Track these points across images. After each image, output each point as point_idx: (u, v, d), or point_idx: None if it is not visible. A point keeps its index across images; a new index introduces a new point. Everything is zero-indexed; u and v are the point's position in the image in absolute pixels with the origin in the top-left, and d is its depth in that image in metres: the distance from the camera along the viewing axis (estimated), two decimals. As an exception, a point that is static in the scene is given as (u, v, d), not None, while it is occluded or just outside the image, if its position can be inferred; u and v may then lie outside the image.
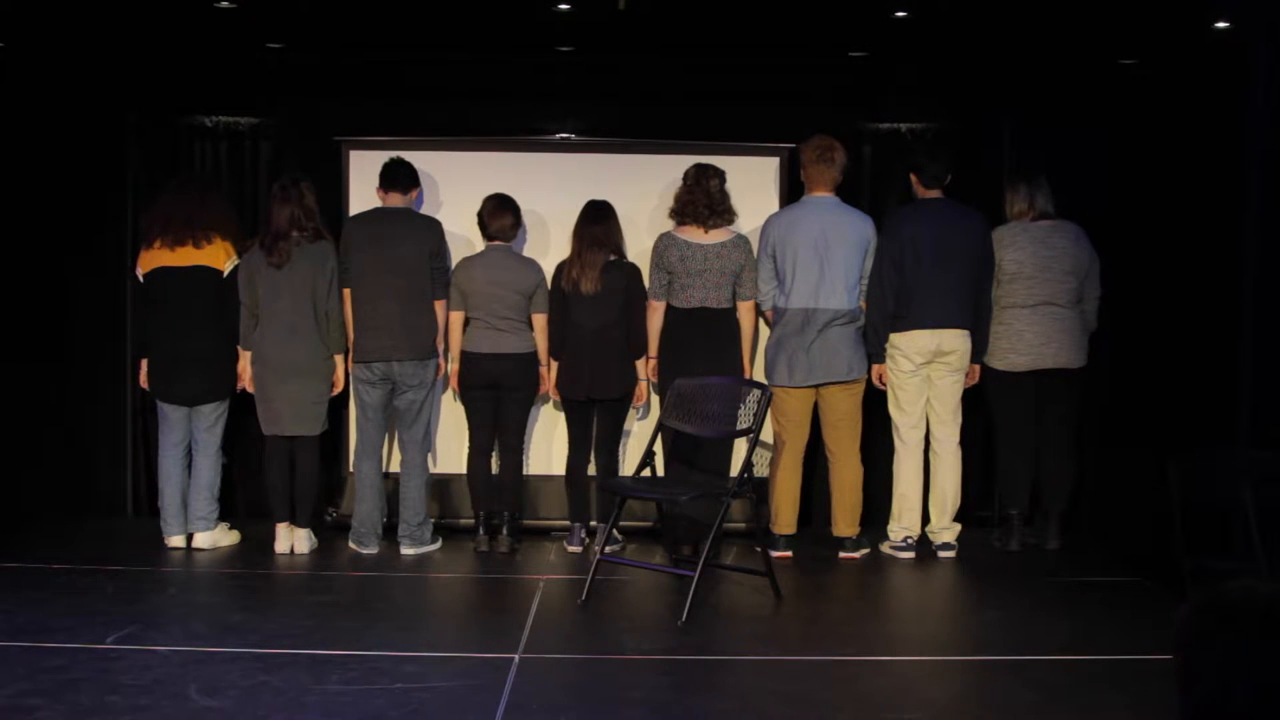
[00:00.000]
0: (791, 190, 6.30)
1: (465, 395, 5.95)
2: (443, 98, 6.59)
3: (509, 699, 3.80)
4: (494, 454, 6.02)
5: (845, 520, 5.95)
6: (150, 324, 6.01)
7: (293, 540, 5.89)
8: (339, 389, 5.98)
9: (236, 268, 5.92)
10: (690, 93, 6.60)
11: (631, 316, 5.93)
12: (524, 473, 6.10)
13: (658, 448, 5.54)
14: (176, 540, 5.95)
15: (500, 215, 5.91)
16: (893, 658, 4.40)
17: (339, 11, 5.85)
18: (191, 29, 5.98)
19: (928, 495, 6.06)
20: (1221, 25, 5.36)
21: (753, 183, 6.34)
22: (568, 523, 6.09)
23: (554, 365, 6.00)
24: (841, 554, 5.94)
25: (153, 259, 5.93)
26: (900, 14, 5.63)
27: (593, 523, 6.05)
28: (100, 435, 6.72)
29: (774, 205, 6.32)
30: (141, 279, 6.00)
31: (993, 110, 6.74)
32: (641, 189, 6.37)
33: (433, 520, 6.06)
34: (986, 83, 6.56)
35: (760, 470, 5.94)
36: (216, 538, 6.00)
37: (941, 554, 5.99)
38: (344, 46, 6.37)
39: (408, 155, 6.04)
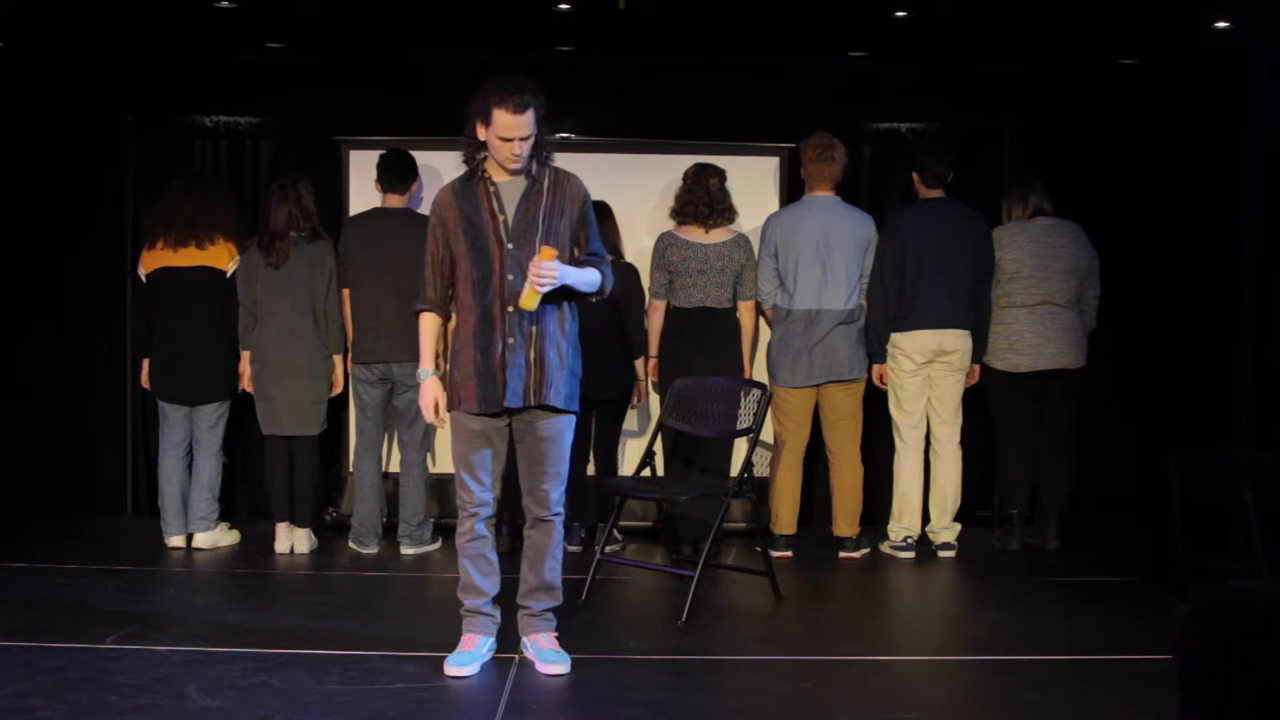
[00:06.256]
0: (791, 190, 6.31)
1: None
2: (443, 98, 6.50)
3: (509, 699, 3.80)
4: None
5: (845, 520, 5.96)
6: (152, 324, 6.01)
7: (293, 540, 5.89)
8: (338, 389, 5.98)
9: (238, 268, 5.93)
10: (690, 93, 6.61)
11: (629, 317, 5.93)
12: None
13: (658, 448, 5.54)
14: (176, 540, 5.95)
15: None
16: (893, 658, 4.40)
17: (339, 11, 5.85)
18: (191, 29, 5.98)
19: (928, 495, 6.06)
20: (1221, 25, 5.36)
21: (753, 182, 6.35)
22: (567, 522, 6.08)
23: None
24: (841, 554, 5.95)
25: (155, 259, 5.94)
26: (900, 14, 5.63)
27: (592, 523, 6.05)
28: (100, 435, 6.73)
29: (774, 205, 6.33)
30: (144, 279, 6.01)
31: (992, 110, 6.74)
32: (641, 189, 6.37)
33: (433, 520, 6.06)
34: (986, 83, 6.57)
35: (760, 470, 5.94)
36: (216, 538, 6.00)
37: (941, 554, 5.99)
38: (344, 46, 6.37)
39: (407, 155, 6.05)
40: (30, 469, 6.44)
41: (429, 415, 4.10)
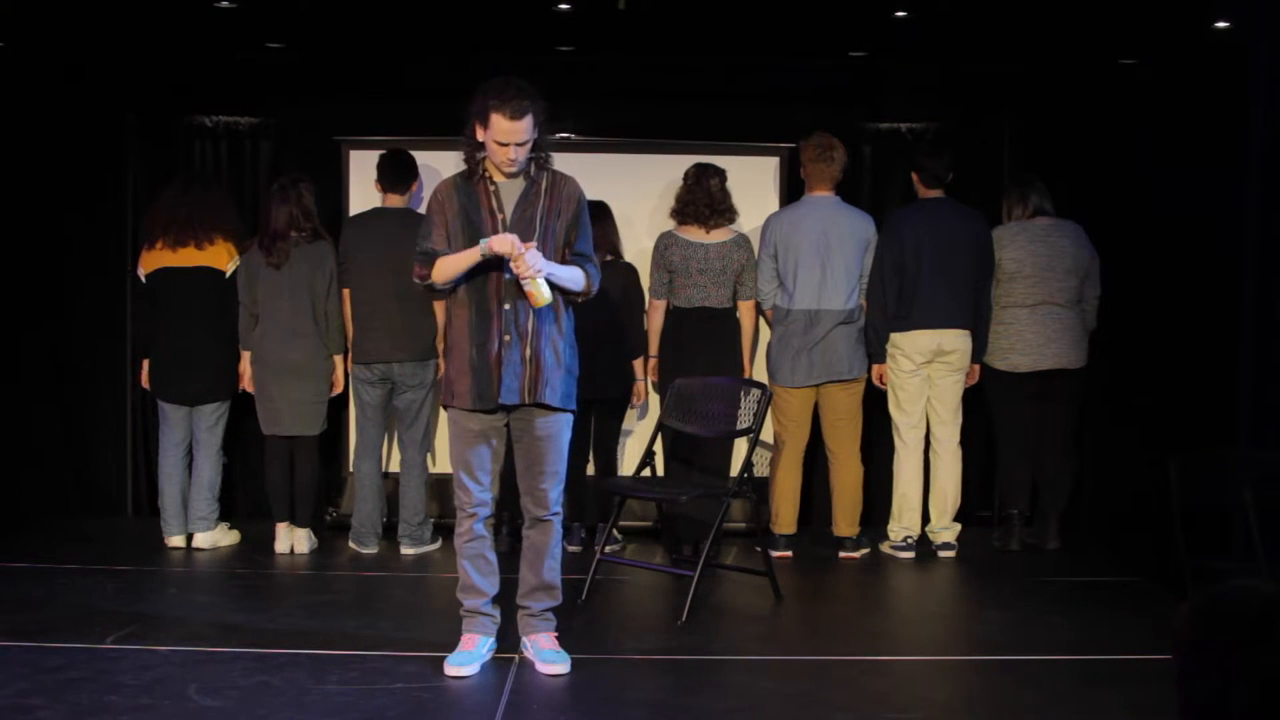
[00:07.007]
0: (791, 190, 6.31)
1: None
2: (443, 98, 6.49)
3: (509, 699, 3.80)
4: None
5: (845, 520, 5.96)
6: (152, 324, 6.02)
7: (293, 540, 5.89)
8: (338, 389, 5.98)
9: (239, 268, 5.94)
10: (690, 93, 6.61)
11: (629, 317, 5.93)
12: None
13: (658, 448, 5.54)
14: (176, 540, 5.95)
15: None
16: (893, 658, 4.40)
17: (339, 11, 5.85)
18: (191, 29, 5.98)
19: (928, 495, 6.06)
20: (1221, 25, 5.36)
21: (753, 182, 6.35)
22: (567, 522, 6.09)
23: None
24: (841, 554, 5.95)
25: (155, 259, 5.94)
26: (900, 14, 5.63)
27: (592, 523, 6.05)
28: (100, 435, 6.73)
29: (774, 205, 6.33)
30: (144, 279, 6.01)
31: (993, 110, 6.74)
32: (641, 189, 6.37)
33: (433, 520, 6.06)
34: (986, 83, 6.56)
35: (760, 470, 5.94)
36: (216, 538, 6.00)
37: (941, 554, 5.99)
38: (344, 46, 6.37)
39: (407, 156, 6.05)
40: (30, 469, 6.44)
41: (515, 244, 3.86)
